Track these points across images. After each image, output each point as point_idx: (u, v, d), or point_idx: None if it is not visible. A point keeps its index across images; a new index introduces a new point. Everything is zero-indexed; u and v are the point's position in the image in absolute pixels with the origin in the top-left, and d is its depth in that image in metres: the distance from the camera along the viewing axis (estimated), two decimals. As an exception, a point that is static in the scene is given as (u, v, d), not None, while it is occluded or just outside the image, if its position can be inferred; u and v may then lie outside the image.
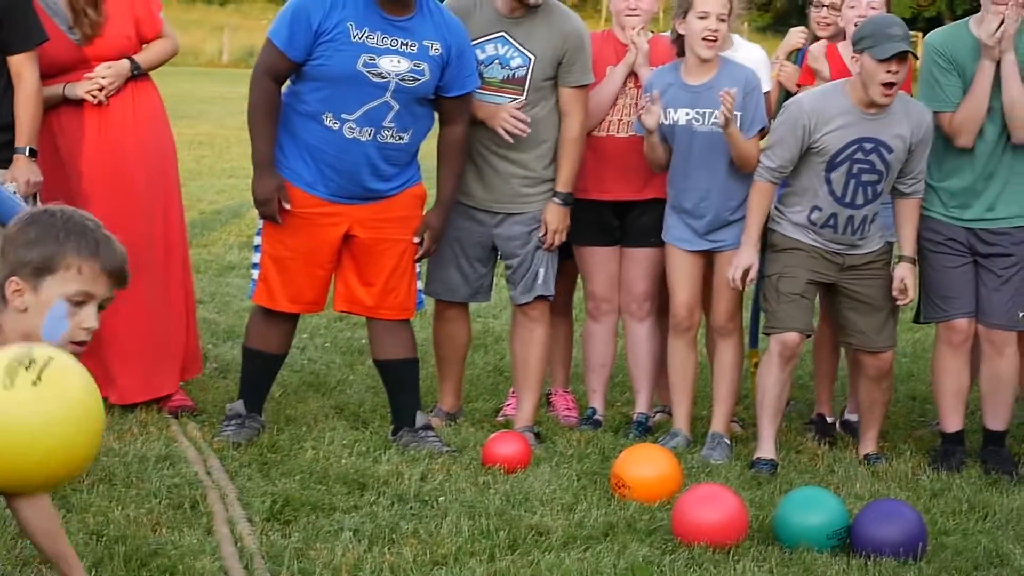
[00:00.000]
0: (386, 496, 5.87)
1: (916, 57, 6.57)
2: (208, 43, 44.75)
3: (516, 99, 6.83)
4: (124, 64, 6.91)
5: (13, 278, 3.67)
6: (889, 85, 6.49)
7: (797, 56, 7.74)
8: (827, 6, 7.54)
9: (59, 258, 3.66)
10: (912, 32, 7.03)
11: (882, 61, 6.45)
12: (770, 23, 54.39)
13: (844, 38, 7.27)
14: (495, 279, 7.33)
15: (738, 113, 6.76)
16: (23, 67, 6.34)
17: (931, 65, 6.81)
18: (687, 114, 6.84)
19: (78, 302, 3.67)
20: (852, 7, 7.14)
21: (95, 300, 3.71)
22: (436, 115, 6.71)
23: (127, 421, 6.76)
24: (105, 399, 6.84)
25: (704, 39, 6.80)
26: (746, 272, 6.71)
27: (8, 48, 6.31)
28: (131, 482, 5.84)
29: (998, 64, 6.64)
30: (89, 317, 3.70)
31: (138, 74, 6.97)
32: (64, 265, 3.66)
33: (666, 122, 6.86)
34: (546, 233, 6.90)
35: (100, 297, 3.73)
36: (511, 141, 6.81)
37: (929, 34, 7.02)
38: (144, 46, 7.04)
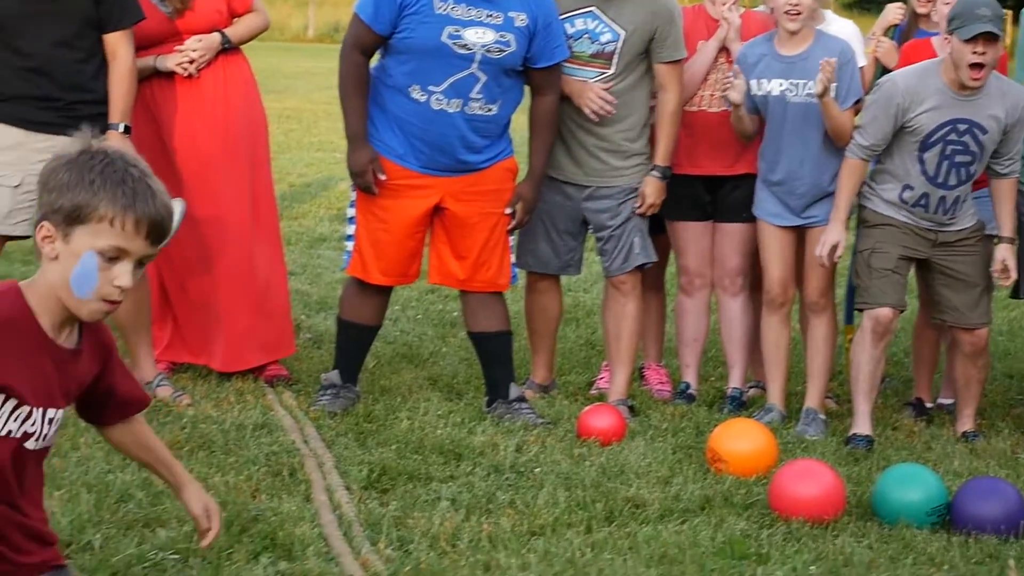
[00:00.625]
0: (482, 467, 5.88)
1: (998, 37, 6.44)
2: (294, 18, 44.88)
3: (604, 73, 6.82)
4: (215, 37, 6.93)
5: (44, 223, 3.32)
6: (977, 67, 6.40)
7: (895, 32, 7.67)
8: None
9: (91, 208, 3.27)
10: (1004, 9, 6.92)
11: (967, 41, 6.37)
12: (855, 1, 53.96)
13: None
14: (585, 253, 7.31)
15: (833, 84, 6.71)
16: (118, 45, 6.38)
17: None
18: (780, 85, 6.80)
19: (111, 257, 3.28)
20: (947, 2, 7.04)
21: (130, 257, 3.30)
22: (526, 87, 6.70)
23: (224, 390, 6.81)
24: (204, 367, 7.02)
25: (787, 12, 6.76)
26: (834, 249, 6.66)
27: (105, 26, 6.35)
28: (230, 449, 5.88)
29: None
30: (123, 274, 3.29)
31: (229, 48, 6.99)
32: (96, 216, 3.27)
33: (759, 93, 6.83)
34: (641, 204, 6.89)
35: (136, 254, 3.31)
36: (596, 120, 6.79)
37: None
38: (235, 20, 7.07)
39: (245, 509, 5.14)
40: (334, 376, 6.78)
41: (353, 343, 6.87)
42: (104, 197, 3.26)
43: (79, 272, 3.25)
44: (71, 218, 3.27)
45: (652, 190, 6.89)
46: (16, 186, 6.31)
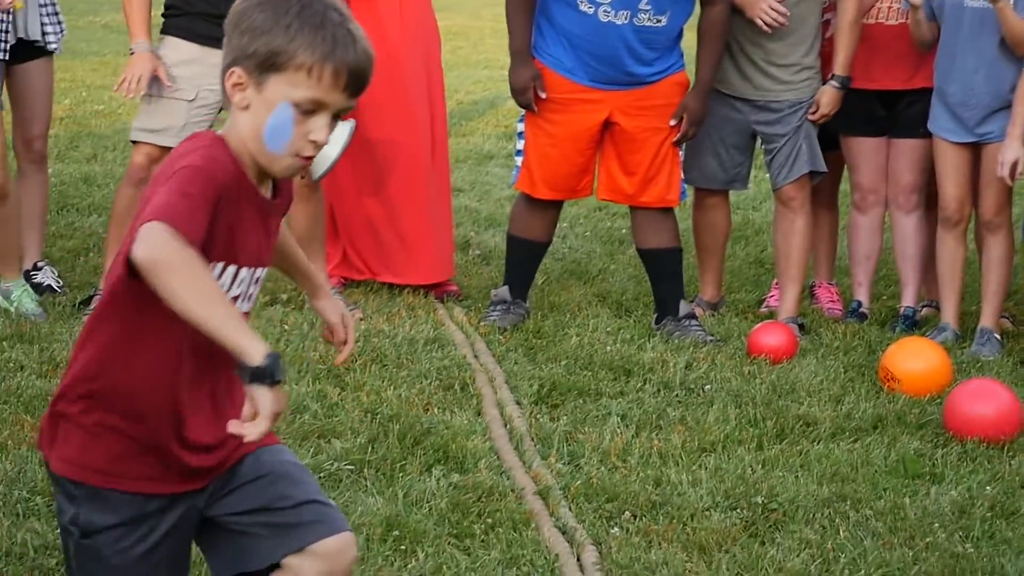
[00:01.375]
0: (652, 383, 5.88)
1: None
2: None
3: None
4: None
5: (235, 68, 2.97)
6: None
7: None
8: None
9: (287, 55, 2.93)
10: None
11: None
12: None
13: None
14: (755, 171, 7.24)
15: None
16: None
17: None
18: None
19: (307, 110, 2.95)
20: None
21: (328, 109, 2.97)
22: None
23: (396, 304, 6.87)
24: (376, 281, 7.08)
25: None
26: (1014, 167, 6.51)
27: None
28: (402, 363, 5.94)
29: None
30: (319, 128, 2.97)
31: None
32: (293, 65, 2.93)
33: None
34: (815, 112, 6.80)
35: (335, 107, 2.98)
36: (769, 32, 6.70)
37: None
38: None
39: (418, 422, 5.20)
40: (504, 292, 6.81)
41: (523, 259, 6.89)
42: (302, 43, 2.93)
43: (273, 124, 2.95)
44: (265, 65, 2.95)
45: (828, 99, 6.80)
46: (191, 100, 6.40)
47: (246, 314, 3.06)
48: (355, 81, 2.97)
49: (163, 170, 2.92)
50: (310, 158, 3.00)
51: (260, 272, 3.08)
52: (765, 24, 6.69)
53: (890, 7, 6.98)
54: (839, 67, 6.79)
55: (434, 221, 7.15)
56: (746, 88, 6.85)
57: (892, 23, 6.98)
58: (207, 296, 2.69)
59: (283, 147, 2.95)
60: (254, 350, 2.65)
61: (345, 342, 3.37)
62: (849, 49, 6.79)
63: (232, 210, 2.93)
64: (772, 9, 6.69)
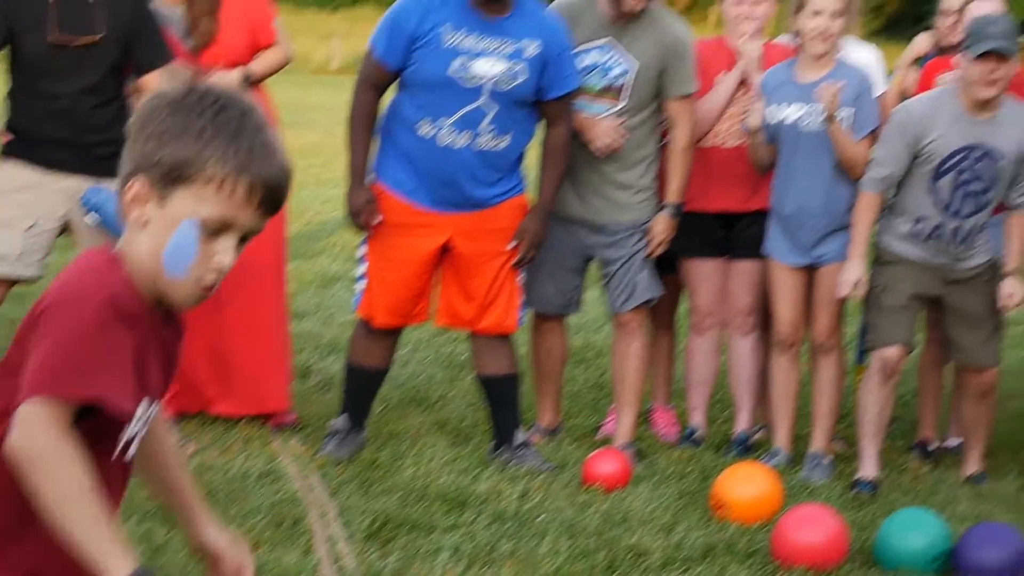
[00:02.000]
0: (485, 515, 5.88)
1: (1009, 55, 6.39)
2: (318, 50, 44.97)
3: (613, 108, 6.82)
4: (237, 74, 6.94)
5: (136, 178, 2.60)
6: (991, 83, 6.39)
7: (922, 63, 7.64)
8: (955, 12, 7.43)
9: (197, 165, 2.56)
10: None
11: (977, 59, 6.37)
12: (881, 27, 53.91)
13: None
14: (597, 291, 7.31)
15: (851, 110, 6.71)
16: (151, 83, 6.35)
17: None
18: (796, 111, 6.78)
19: (214, 230, 2.59)
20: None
21: (236, 230, 2.62)
22: (540, 119, 6.69)
23: (231, 436, 6.82)
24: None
25: (817, 36, 6.74)
26: (856, 285, 6.64)
27: (137, 69, 6.36)
28: (233, 499, 5.90)
29: None
30: (225, 251, 2.61)
31: (251, 83, 7.02)
32: (203, 177, 2.56)
33: (775, 120, 6.82)
34: (650, 242, 6.89)
35: (244, 227, 2.62)
36: (601, 156, 6.80)
37: None
38: (257, 54, 7.08)
39: (245, 562, 5.15)
40: (341, 421, 6.79)
41: (361, 387, 6.87)
42: (214, 152, 2.57)
43: (174, 245, 2.58)
44: (171, 176, 2.57)
45: (662, 227, 6.90)
46: (30, 227, 6.34)
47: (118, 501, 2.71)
48: (271, 198, 2.64)
49: (50, 303, 2.55)
50: (211, 287, 2.66)
51: (156, 408, 2.76)
52: (601, 148, 6.78)
53: (728, 130, 7.10)
54: (671, 194, 6.89)
55: (272, 349, 7.13)
56: (583, 210, 6.91)
57: (730, 146, 7.10)
58: (74, 499, 2.41)
59: (184, 271, 2.60)
60: (117, 569, 2.36)
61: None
62: (681, 176, 6.89)
63: (136, 343, 2.58)
64: (609, 133, 6.78)
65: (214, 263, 2.62)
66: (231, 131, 2.60)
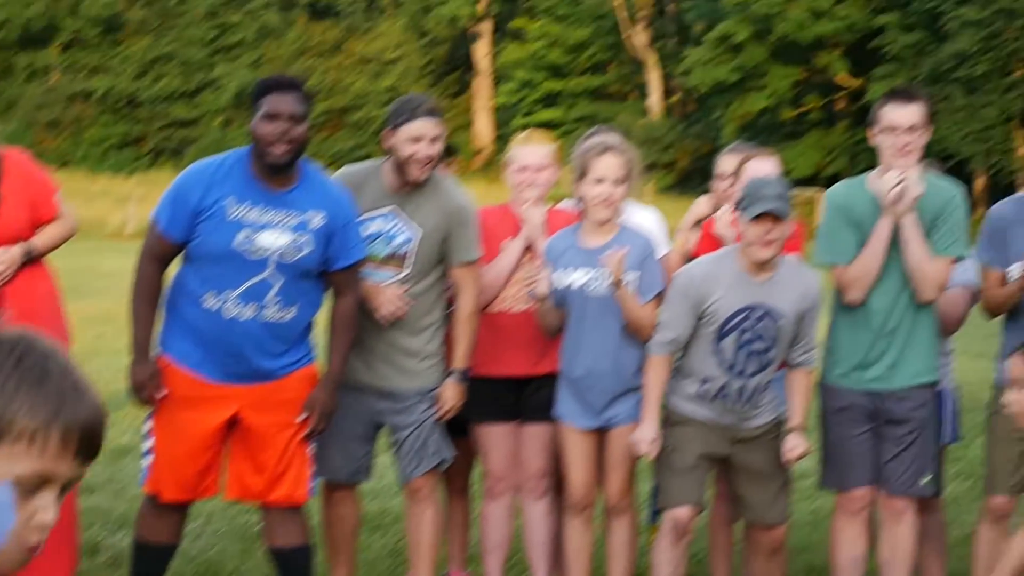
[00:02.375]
0: None
1: (783, 216, 6.54)
2: (113, 214, 44.62)
3: (397, 275, 6.84)
4: (17, 251, 6.80)
5: None
6: (767, 244, 6.52)
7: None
8: (731, 175, 7.56)
9: (3, 422, 2.30)
10: (814, 188, 7.08)
11: (753, 220, 6.50)
12: (674, 183, 55.06)
13: None
14: (391, 456, 7.25)
15: (636, 274, 6.79)
16: None
17: (829, 218, 6.89)
18: (582, 276, 6.84)
19: (31, 488, 2.33)
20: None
21: (56, 483, 2.34)
22: (326, 289, 6.68)
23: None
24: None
25: (600, 203, 6.83)
26: (652, 444, 6.68)
27: None
28: None
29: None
30: (46, 508, 2.33)
31: (32, 259, 6.89)
32: (11, 434, 2.29)
33: (562, 285, 6.86)
34: (439, 409, 6.87)
35: (64, 478, 2.35)
36: (385, 324, 6.80)
37: (830, 188, 7.09)
38: (39, 228, 6.96)
39: None
40: (130, 600, 6.63)
41: (150, 564, 6.72)
42: (22, 404, 2.29)
43: None
44: None
45: (451, 394, 6.90)
46: None
47: None
48: (88, 442, 2.36)
49: None
50: (36, 547, 2.35)
51: None
52: (385, 316, 6.78)
53: (515, 295, 7.15)
54: (458, 360, 6.91)
55: (57, 531, 6.92)
56: (371, 377, 6.89)
57: (517, 311, 7.14)
58: None
59: (3, 538, 2.30)
60: None
61: None
62: (467, 342, 6.92)
63: None
64: (393, 301, 6.78)
65: (35, 522, 2.33)
66: (35, 379, 2.32)
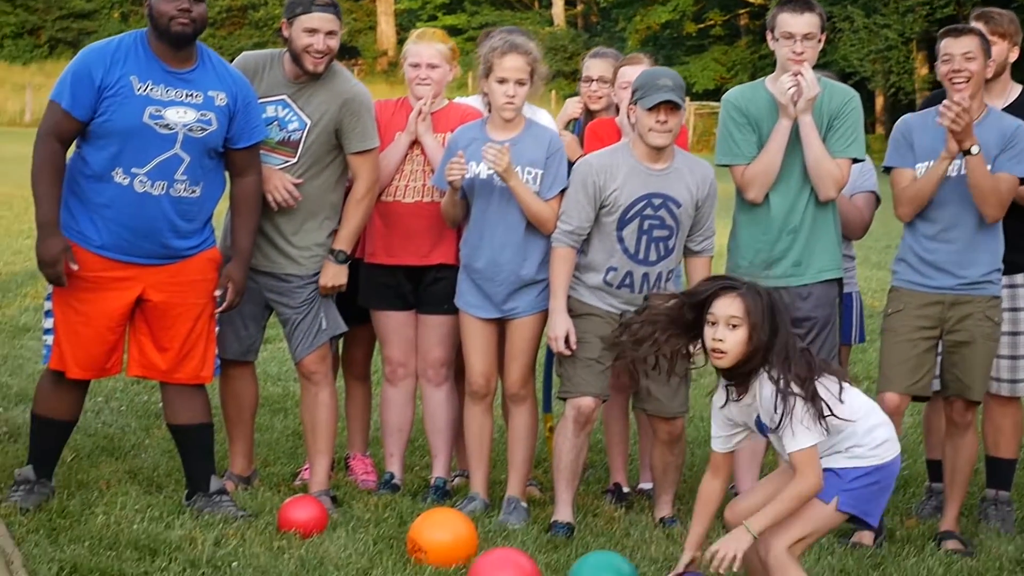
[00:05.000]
0: (178, 562, 5.78)
1: (679, 105, 6.64)
2: (11, 102, 44.07)
3: (288, 162, 6.86)
4: None
5: None
6: (663, 132, 6.63)
7: (575, 126, 7.87)
8: (596, 80, 7.71)
9: None
10: (716, 102, 7.17)
11: (650, 110, 6.58)
12: (575, 92, 54.99)
13: (616, 112, 7.52)
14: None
15: (539, 171, 6.84)
16: None
17: (727, 119, 6.96)
18: (489, 168, 6.86)
19: None
20: (624, 88, 7.29)
21: None
22: (227, 175, 6.69)
23: (-89, 487, 6.59)
24: None
25: (503, 103, 6.87)
26: (567, 338, 6.73)
27: None
28: (-88, 549, 5.68)
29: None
30: None
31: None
32: None
33: (467, 176, 6.89)
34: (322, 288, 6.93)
35: None
36: (275, 208, 6.81)
37: (728, 91, 7.17)
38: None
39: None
40: (28, 471, 6.61)
41: (48, 438, 6.70)
42: None
43: None
44: None
45: (327, 274, 6.95)
46: None
47: None
48: None
49: None
50: None
51: None
52: (275, 201, 6.79)
53: (406, 185, 7.19)
54: (339, 241, 6.97)
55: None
56: (260, 260, 6.90)
57: (409, 201, 7.18)
58: None
59: None
60: None
61: None
62: (351, 225, 6.98)
63: None
64: (283, 187, 6.80)
65: None
66: None
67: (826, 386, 5.29)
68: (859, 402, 5.40)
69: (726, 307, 5.29)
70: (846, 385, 5.40)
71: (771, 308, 5.28)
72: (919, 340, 6.87)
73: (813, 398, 5.22)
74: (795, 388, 5.21)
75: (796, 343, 5.31)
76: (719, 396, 5.46)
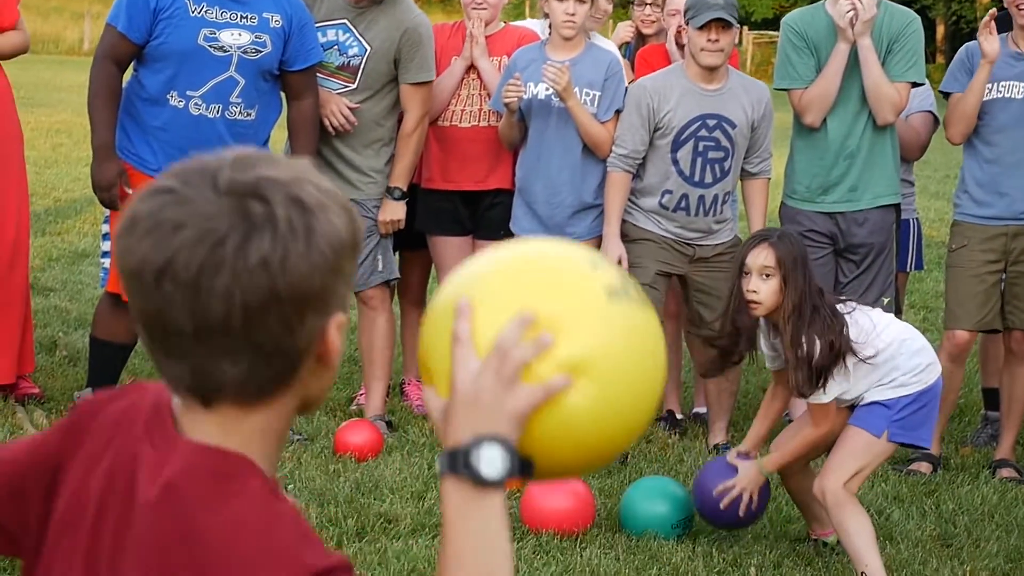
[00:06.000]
0: (234, 484, 5.83)
1: (731, 24, 6.63)
2: (70, 30, 44.13)
3: (347, 87, 6.85)
4: None
5: None
6: (715, 51, 6.62)
7: (626, 50, 7.85)
8: (649, 4, 7.72)
9: None
10: (775, 31, 7.13)
11: (701, 29, 6.55)
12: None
13: (667, 38, 7.52)
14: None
15: (597, 93, 6.81)
16: None
17: (785, 43, 6.92)
18: (547, 88, 6.85)
19: None
20: (673, 14, 7.28)
21: None
22: (283, 98, 6.70)
23: (-28, 408, 6.67)
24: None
25: (563, 21, 6.84)
26: (620, 263, 6.73)
27: None
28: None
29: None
30: None
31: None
32: None
33: (525, 96, 6.87)
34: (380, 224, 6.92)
35: None
36: (333, 133, 6.81)
37: (787, 14, 7.12)
38: (-1, 34, 6.90)
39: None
40: (87, 394, 6.67)
41: (107, 362, 6.77)
42: None
43: None
44: None
45: (385, 211, 6.93)
46: None
47: None
48: None
49: None
50: None
51: None
52: (331, 126, 6.79)
53: (463, 110, 7.17)
54: (393, 179, 6.93)
55: (6, 321, 6.90)
56: None
57: (465, 126, 7.17)
58: None
59: None
60: None
61: None
62: (405, 161, 6.94)
63: None
64: (340, 112, 6.80)
65: None
66: None
67: (859, 323, 5.26)
68: (894, 330, 5.37)
69: (758, 257, 5.27)
70: (879, 314, 5.38)
71: (804, 258, 5.28)
72: (985, 275, 6.83)
73: (836, 358, 5.20)
74: (817, 350, 5.17)
75: (822, 300, 5.27)
76: (763, 325, 5.45)
